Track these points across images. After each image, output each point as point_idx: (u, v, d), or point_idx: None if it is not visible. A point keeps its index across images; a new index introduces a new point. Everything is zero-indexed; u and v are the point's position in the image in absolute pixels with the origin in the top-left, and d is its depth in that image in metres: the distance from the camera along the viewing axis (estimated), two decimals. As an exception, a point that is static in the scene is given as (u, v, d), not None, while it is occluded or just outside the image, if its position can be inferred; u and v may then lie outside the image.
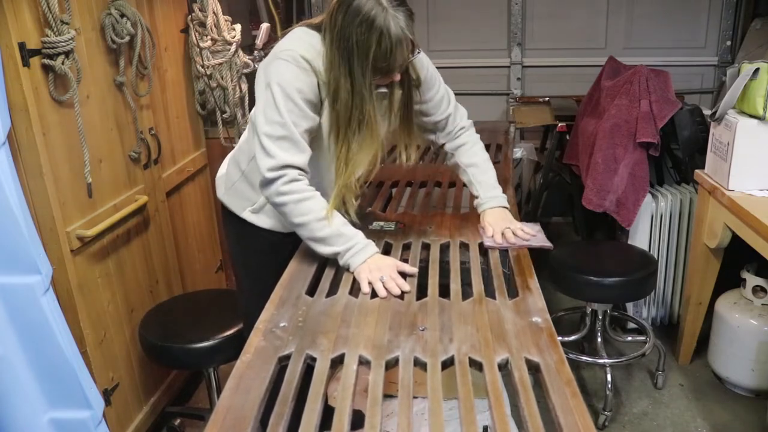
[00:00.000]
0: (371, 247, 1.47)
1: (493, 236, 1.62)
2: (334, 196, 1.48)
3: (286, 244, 1.65)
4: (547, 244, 1.62)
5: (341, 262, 1.47)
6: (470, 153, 1.75)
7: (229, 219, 1.71)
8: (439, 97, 1.68)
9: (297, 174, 1.42)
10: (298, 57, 1.38)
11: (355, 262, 1.44)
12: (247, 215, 1.65)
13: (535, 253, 1.59)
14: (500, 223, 1.65)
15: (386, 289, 1.38)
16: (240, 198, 1.66)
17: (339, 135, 1.44)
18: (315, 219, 1.43)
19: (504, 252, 1.58)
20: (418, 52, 1.45)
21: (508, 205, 1.72)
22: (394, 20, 1.32)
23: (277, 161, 1.39)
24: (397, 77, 1.44)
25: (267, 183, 1.42)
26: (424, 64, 1.60)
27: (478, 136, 1.79)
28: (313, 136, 1.48)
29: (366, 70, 1.36)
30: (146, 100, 2.20)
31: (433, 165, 2.36)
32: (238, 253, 1.76)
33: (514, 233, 1.63)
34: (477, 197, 1.73)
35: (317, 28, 1.44)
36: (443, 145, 1.78)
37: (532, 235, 1.64)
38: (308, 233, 1.46)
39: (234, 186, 1.67)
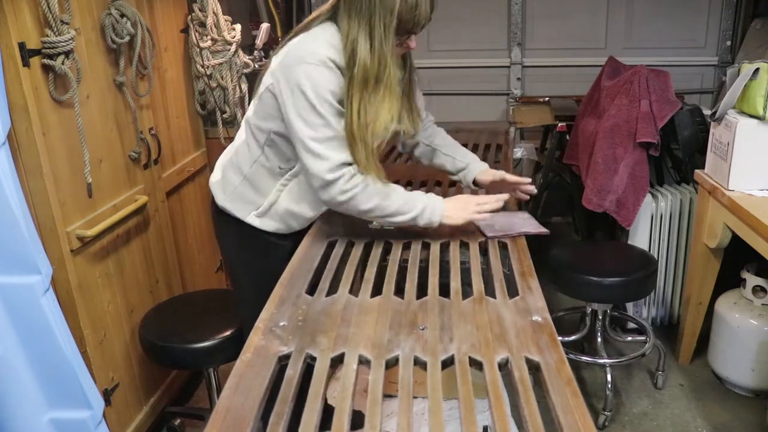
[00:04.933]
0: (438, 199, 1.56)
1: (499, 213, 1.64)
2: (367, 167, 1.49)
3: (285, 246, 1.65)
4: (543, 229, 1.66)
5: (422, 223, 1.54)
6: (443, 135, 1.84)
7: (230, 224, 1.68)
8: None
9: (353, 169, 1.47)
10: (324, 59, 1.41)
11: (436, 217, 1.53)
12: (251, 219, 1.65)
13: (535, 253, 1.59)
14: (497, 181, 1.73)
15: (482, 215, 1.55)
16: (243, 202, 1.64)
17: (353, 99, 1.43)
18: (382, 198, 1.50)
19: (504, 252, 1.58)
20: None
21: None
22: None
23: (333, 162, 1.44)
24: (413, 44, 1.47)
25: (328, 184, 1.46)
26: None
27: None
28: None
29: (389, 29, 1.38)
30: (146, 100, 2.20)
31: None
32: (241, 257, 1.74)
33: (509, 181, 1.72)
34: (465, 167, 1.79)
35: (328, 19, 1.48)
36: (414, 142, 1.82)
37: (523, 218, 1.71)
38: (380, 212, 1.52)
39: (236, 191, 1.64)
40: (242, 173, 1.63)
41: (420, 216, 1.53)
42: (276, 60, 1.51)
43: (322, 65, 1.41)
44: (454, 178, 1.86)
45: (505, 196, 1.64)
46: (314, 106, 1.41)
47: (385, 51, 1.40)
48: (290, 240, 1.66)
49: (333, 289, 1.41)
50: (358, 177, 1.47)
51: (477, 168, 1.78)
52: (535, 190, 1.76)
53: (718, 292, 2.49)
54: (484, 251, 1.58)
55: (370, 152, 1.48)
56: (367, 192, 1.48)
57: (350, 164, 1.46)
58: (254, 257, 1.70)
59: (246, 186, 1.63)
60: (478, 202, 1.57)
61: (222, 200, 1.67)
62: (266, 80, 1.53)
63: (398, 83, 1.53)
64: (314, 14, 1.53)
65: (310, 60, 1.41)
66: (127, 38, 1.99)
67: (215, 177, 1.71)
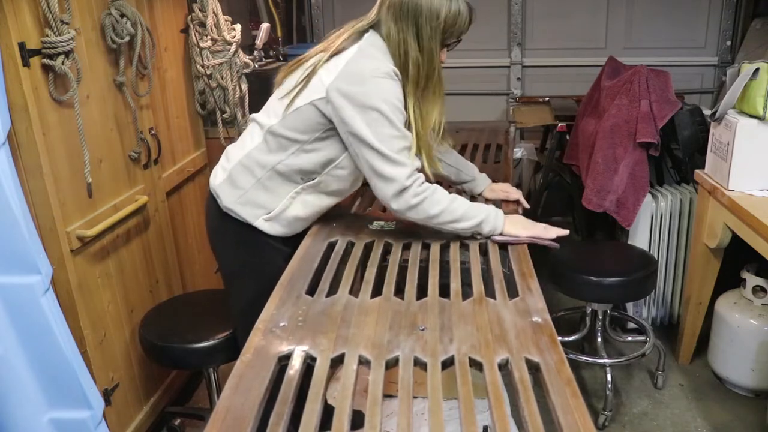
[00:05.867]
0: (499, 209, 1.62)
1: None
2: (424, 158, 1.58)
3: (284, 251, 1.65)
4: (553, 243, 1.64)
5: (487, 228, 1.57)
6: (445, 145, 1.89)
7: (232, 226, 1.67)
8: None
9: (422, 175, 1.54)
10: (390, 72, 1.48)
11: (500, 224, 1.58)
12: (260, 223, 1.64)
13: (535, 253, 1.59)
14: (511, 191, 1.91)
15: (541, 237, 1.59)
16: (254, 206, 1.63)
17: (408, 99, 1.51)
18: (449, 202, 1.54)
19: (504, 252, 1.58)
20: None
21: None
22: None
23: (411, 168, 1.50)
24: (444, 56, 1.56)
25: (404, 189, 1.50)
26: None
27: None
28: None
29: (436, 30, 1.47)
30: (146, 100, 2.20)
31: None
32: (241, 259, 1.73)
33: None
34: (471, 180, 1.92)
35: (371, 27, 1.54)
36: None
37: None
38: (448, 216, 1.54)
39: (247, 194, 1.63)
40: (255, 177, 1.61)
41: (485, 221, 1.57)
42: (326, 76, 1.50)
43: (388, 77, 1.47)
44: (456, 186, 1.95)
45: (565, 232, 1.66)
46: (389, 119, 1.46)
47: (434, 49, 1.49)
48: (290, 245, 1.66)
49: (333, 289, 1.41)
50: (426, 183, 1.53)
51: (484, 183, 1.94)
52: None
53: (718, 292, 2.49)
54: (484, 252, 1.59)
55: (428, 151, 1.58)
56: (436, 196, 1.52)
57: (420, 170, 1.53)
58: (253, 258, 1.69)
59: (258, 190, 1.62)
60: (545, 227, 1.63)
61: (230, 202, 1.65)
62: (311, 94, 1.52)
63: (444, 83, 1.59)
64: (355, 27, 1.55)
65: (377, 74, 1.46)
66: (127, 38, 1.99)
67: (218, 179, 1.68)
